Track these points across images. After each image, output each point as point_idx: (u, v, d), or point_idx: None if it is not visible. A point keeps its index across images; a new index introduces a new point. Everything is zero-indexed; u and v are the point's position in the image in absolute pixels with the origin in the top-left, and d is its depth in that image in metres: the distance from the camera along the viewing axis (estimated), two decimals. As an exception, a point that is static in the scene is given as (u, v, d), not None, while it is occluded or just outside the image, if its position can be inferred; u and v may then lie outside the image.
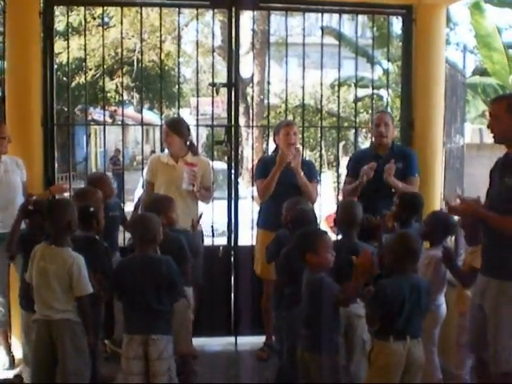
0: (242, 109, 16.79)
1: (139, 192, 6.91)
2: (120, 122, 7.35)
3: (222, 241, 6.39)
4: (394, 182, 5.42)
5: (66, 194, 5.89)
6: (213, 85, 6.14)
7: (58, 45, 10.60)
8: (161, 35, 6.89)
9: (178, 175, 5.63)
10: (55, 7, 6.15)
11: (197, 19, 7.30)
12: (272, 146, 6.16)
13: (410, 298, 3.82)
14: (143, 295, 4.20)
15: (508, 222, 3.86)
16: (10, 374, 5.37)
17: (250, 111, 12.27)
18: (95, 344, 4.43)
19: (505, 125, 3.95)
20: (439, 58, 6.20)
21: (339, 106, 7.72)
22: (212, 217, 6.21)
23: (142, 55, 10.26)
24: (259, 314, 5.97)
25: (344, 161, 15.17)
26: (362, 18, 18.04)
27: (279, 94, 14.40)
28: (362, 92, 17.13)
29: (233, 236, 6.29)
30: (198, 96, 7.12)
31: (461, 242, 4.85)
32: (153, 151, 23.37)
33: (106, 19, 17.46)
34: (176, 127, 5.79)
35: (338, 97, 7.30)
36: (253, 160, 6.93)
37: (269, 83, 9.21)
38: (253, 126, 8.24)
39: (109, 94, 20.51)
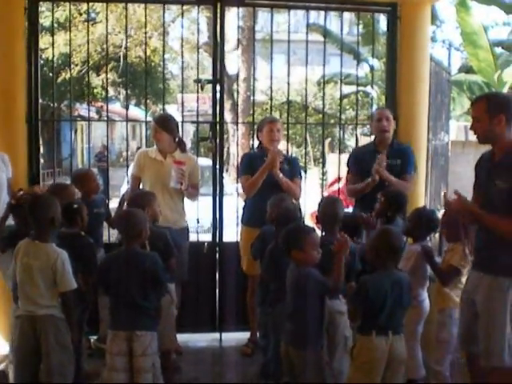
0: (228, 105, 16.82)
1: (125, 188, 6.92)
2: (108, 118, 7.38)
3: (207, 237, 6.40)
4: (386, 175, 5.40)
5: None
6: (198, 81, 6.15)
7: (45, 40, 10.61)
8: (146, 31, 6.94)
9: (166, 171, 5.62)
10: (40, 3, 6.12)
11: (182, 16, 7.28)
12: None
13: (391, 294, 3.85)
14: (128, 291, 4.19)
15: (503, 224, 3.90)
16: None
17: (237, 107, 12.26)
18: (79, 340, 4.44)
19: (485, 125, 3.99)
20: (424, 55, 6.24)
21: (324, 103, 7.74)
22: (197, 213, 6.21)
23: (127, 51, 10.25)
24: (244, 310, 5.98)
25: (330, 157, 15.26)
26: (349, 16, 18.19)
27: (266, 90, 14.43)
28: (348, 89, 17.18)
29: (218, 232, 6.30)
30: (182, 92, 7.13)
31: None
32: (139, 147, 23.32)
33: (92, 15, 17.42)
34: (165, 124, 5.78)
35: (323, 94, 7.32)
36: (238, 156, 6.93)
37: (254, 79, 9.22)
38: (238, 123, 8.22)
39: (96, 90, 20.45)
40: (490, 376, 4.04)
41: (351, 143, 13.20)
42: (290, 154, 6.62)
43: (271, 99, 7.33)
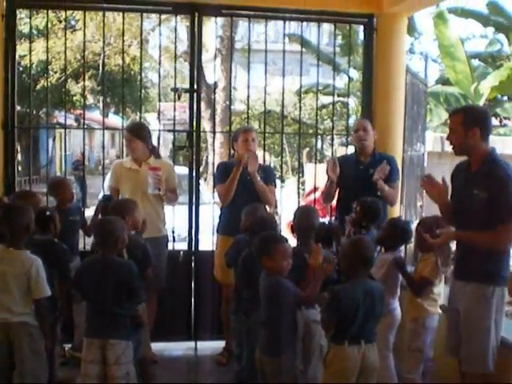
0: (207, 114, 16.81)
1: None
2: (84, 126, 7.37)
3: (184, 246, 6.39)
4: (381, 184, 5.46)
5: None
6: (175, 90, 6.15)
7: (24, 47, 10.56)
8: (123, 40, 6.93)
9: (143, 179, 5.62)
10: (18, 10, 6.12)
11: (159, 25, 7.31)
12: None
13: (364, 303, 3.85)
14: (103, 298, 4.19)
15: (483, 237, 4.01)
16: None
17: (214, 116, 12.27)
18: (52, 348, 4.42)
19: (460, 137, 4.11)
20: (399, 66, 6.29)
21: (300, 113, 7.79)
22: (173, 222, 6.22)
23: (104, 59, 10.26)
24: (219, 319, 5.99)
25: (308, 167, 15.27)
26: (328, 26, 18.30)
27: (245, 100, 14.44)
28: (327, 99, 17.26)
29: (194, 241, 6.30)
30: (159, 101, 7.14)
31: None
32: (118, 156, 23.24)
33: (72, 22, 17.39)
34: (137, 132, 5.79)
35: (300, 104, 7.36)
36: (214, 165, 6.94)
37: (232, 89, 9.22)
38: (215, 132, 8.23)
39: (75, 98, 20.36)
40: (471, 381, 4.13)
41: (329, 153, 13.24)
42: (264, 162, 6.65)
43: (248, 108, 7.36)
